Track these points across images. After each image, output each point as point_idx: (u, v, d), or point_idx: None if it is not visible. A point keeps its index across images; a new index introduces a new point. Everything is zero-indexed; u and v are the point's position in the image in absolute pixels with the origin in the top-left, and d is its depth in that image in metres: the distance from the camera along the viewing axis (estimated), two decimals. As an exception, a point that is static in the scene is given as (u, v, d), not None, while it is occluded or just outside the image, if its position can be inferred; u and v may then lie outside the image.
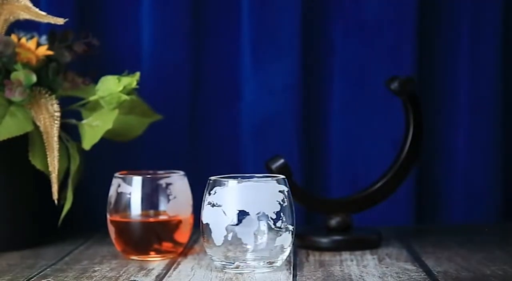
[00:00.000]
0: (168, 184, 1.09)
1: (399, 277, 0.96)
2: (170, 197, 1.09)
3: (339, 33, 1.34)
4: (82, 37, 1.20)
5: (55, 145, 1.08)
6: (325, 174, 1.35)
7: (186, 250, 1.12)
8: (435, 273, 0.98)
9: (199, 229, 1.00)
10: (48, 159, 1.09)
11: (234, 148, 1.35)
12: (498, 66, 1.34)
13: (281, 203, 0.98)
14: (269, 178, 1.00)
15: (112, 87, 1.11)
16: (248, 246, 0.97)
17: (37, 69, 1.13)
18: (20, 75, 1.10)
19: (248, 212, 0.97)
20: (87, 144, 1.12)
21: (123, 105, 1.13)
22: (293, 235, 1.00)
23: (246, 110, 1.34)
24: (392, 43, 1.33)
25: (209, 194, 0.99)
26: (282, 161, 1.12)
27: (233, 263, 0.99)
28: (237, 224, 0.97)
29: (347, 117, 1.34)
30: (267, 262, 0.99)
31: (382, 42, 1.33)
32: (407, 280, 0.95)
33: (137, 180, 1.08)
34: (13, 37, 1.13)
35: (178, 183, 1.10)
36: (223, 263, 0.99)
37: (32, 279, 0.97)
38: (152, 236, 1.08)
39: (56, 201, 1.09)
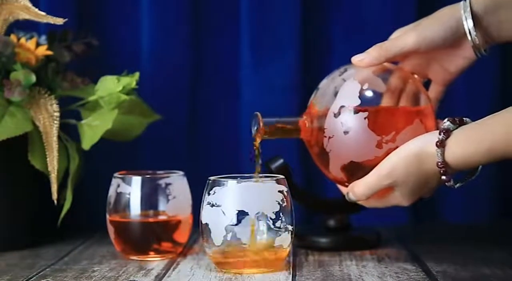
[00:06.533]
0: (167, 184, 1.09)
1: (398, 277, 0.96)
2: (170, 197, 1.09)
3: (339, 33, 1.34)
4: (81, 37, 1.20)
5: (55, 145, 1.08)
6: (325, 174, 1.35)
7: (185, 250, 1.12)
8: (434, 273, 0.98)
9: (199, 229, 1.00)
10: (48, 159, 1.09)
11: (234, 148, 1.34)
12: (497, 65, 1.34)
13: (281, 203, 0.98)
14: (269, 178, 1.00)
15: (112, 87, 1.11)
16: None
17: (36, 69, 1.13)
18: (19, 75, 1.10)
19: (247, 212, 0.96)
20: (86, 144, 1.12)
21: (123, 105, 1.13)
22: (292, 235, 1.00)
23: (246, 110, 1.33)
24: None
25: (209, 194, 0.99)
26: (281, 161, 1.12)
27: (232, 263, 0.99)
28: (236, 224, 0.97)
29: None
30: (267, 262, 0.99)
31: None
32: (406, 280, 0.95)
33: (136, 180, 1.08)
34: (13, 37, 1.13)
35: (178, 183, 1.10)
36: (223, 263, 0.99)
37: (31, 279, 0.97)
38: (151, 236, 1.08)
39: (55, 201, 1.09)
